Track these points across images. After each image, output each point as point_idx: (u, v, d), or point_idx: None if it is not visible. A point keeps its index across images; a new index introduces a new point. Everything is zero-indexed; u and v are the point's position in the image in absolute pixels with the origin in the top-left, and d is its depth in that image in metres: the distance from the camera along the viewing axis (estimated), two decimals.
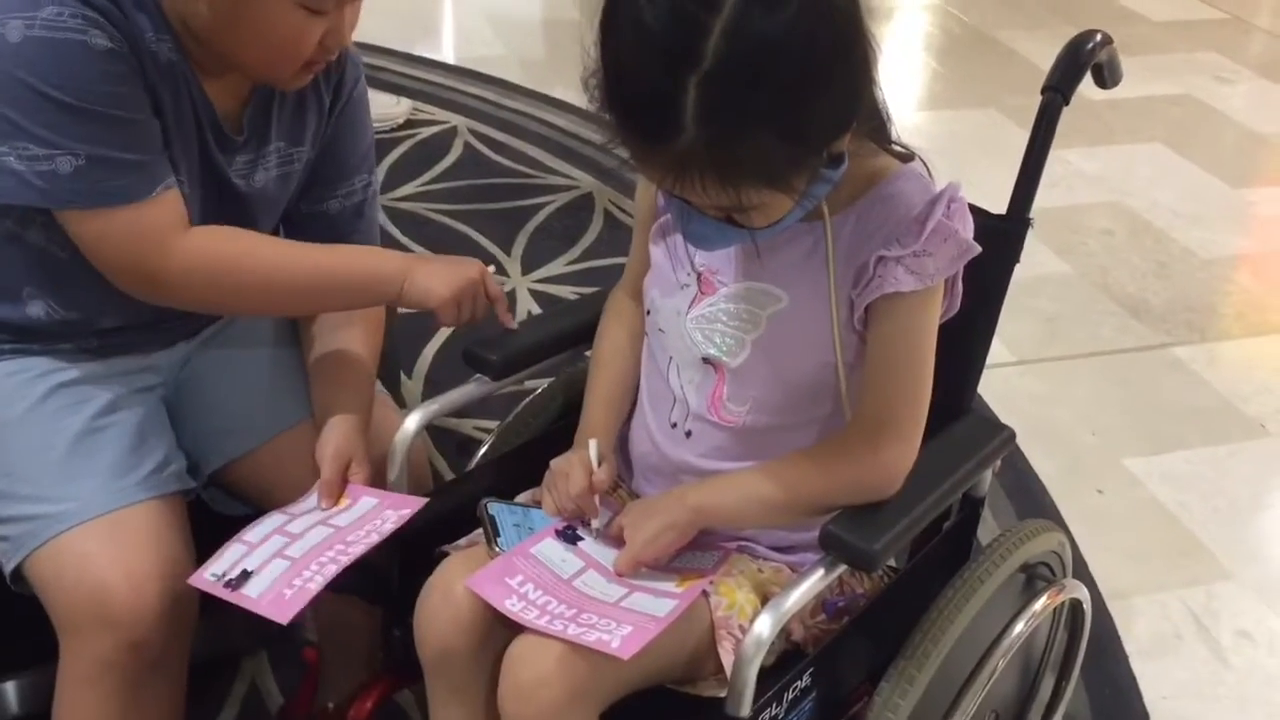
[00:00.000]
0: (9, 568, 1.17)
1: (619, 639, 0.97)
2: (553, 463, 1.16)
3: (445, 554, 1.15)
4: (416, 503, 1.17)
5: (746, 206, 0.97)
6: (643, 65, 0.91)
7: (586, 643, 0.97)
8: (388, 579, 1.19)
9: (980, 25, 4.17)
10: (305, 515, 1.19)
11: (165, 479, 1.22)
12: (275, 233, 1.38)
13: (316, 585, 1.08)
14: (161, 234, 1.15)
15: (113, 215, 1.13)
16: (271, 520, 1.18)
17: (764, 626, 0.97)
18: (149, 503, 1.18)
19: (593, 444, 1.16)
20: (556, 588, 1.06)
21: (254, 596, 1.08)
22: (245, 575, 1.10)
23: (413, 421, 1.21)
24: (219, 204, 1.26)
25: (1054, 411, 2.28)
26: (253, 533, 1.17)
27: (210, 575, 1.12)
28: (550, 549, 1.11)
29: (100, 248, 1.15)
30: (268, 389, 1.34)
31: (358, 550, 1.11)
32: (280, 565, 1.11)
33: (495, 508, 1.15)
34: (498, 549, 1.11)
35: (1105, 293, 2.66)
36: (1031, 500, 2.03)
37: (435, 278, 1.24)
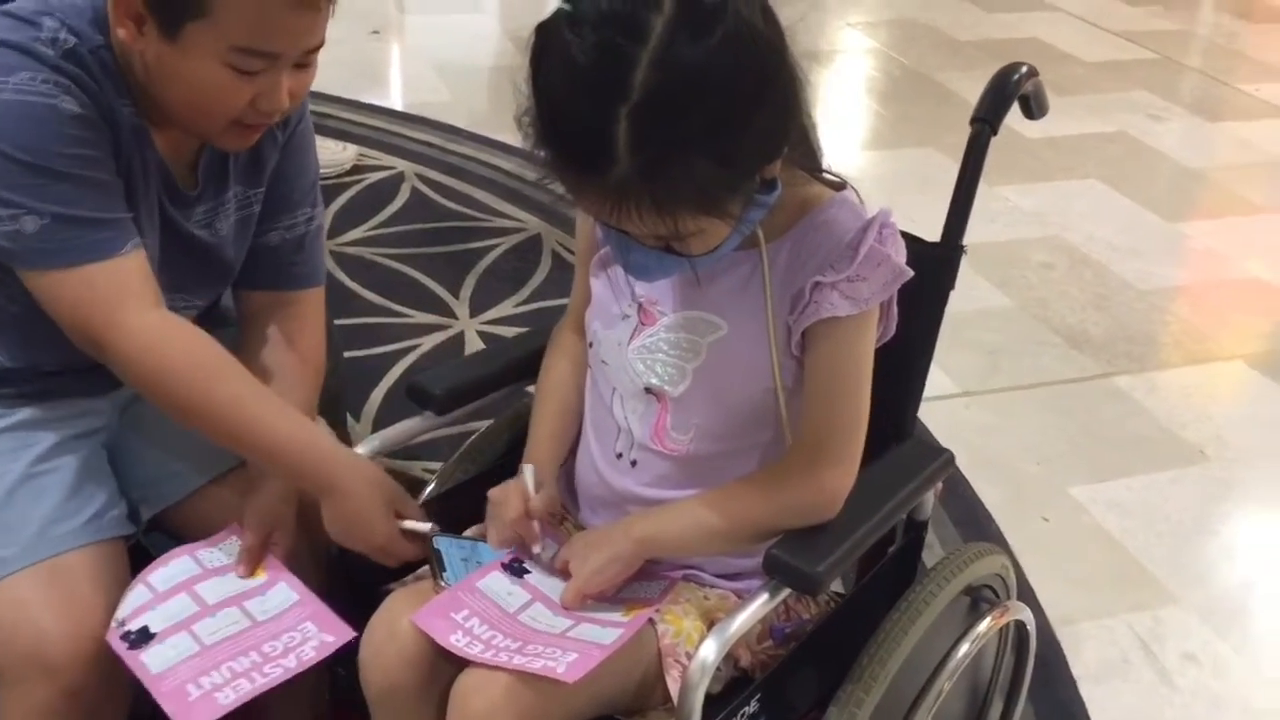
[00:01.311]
0: None
1: (564, 664, 0.97)
2: (491, 493, 1.16)
3: (390, 591, 1.15)
4: (344, 633, 1.09)
5: (683, 234, 0.98)
6: (574, 99, 0.92)
7: (532, 670, 0.97)
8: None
9: (919, 68, 4.26)
10: (217, 578, 1.14)
11: (105, 524, 1.20)
12: (232, 280, 1.37)
13: (226, 701, 1.02)
14: (118, 302, 1.13)
15: (72, 275, 1.12)
16: (179, 566, 1.15)
17: (709, 652, 0.97)
18: (89, 548, 1.17)
19: (528, 469, 1.16)
20: (502, 622, 1.06)
21: (154, 673, 1.03)
22: (146, 635, 1.07)
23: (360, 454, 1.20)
24: (183, 258, 1.25)
25: (999, 442, 2.31)
26: (158, 576, 1.14)
27: (115, 621, 1.09)
28: (496, 582, 1.11)
29: (56, 308, 1.14)
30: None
31: (275, 675, 1.04)
32: (186, 644, 1.07)
33: (442, 542, 1.15)
34: (443, 583, 1.10)
35: (1046, 325, 2.70)
36: (978, 529, 2.05)
37: (343, 523, 1.16)
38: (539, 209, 3.04)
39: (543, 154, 0.96)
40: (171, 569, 1.15)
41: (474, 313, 2.59)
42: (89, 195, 1.11)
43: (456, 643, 1.02)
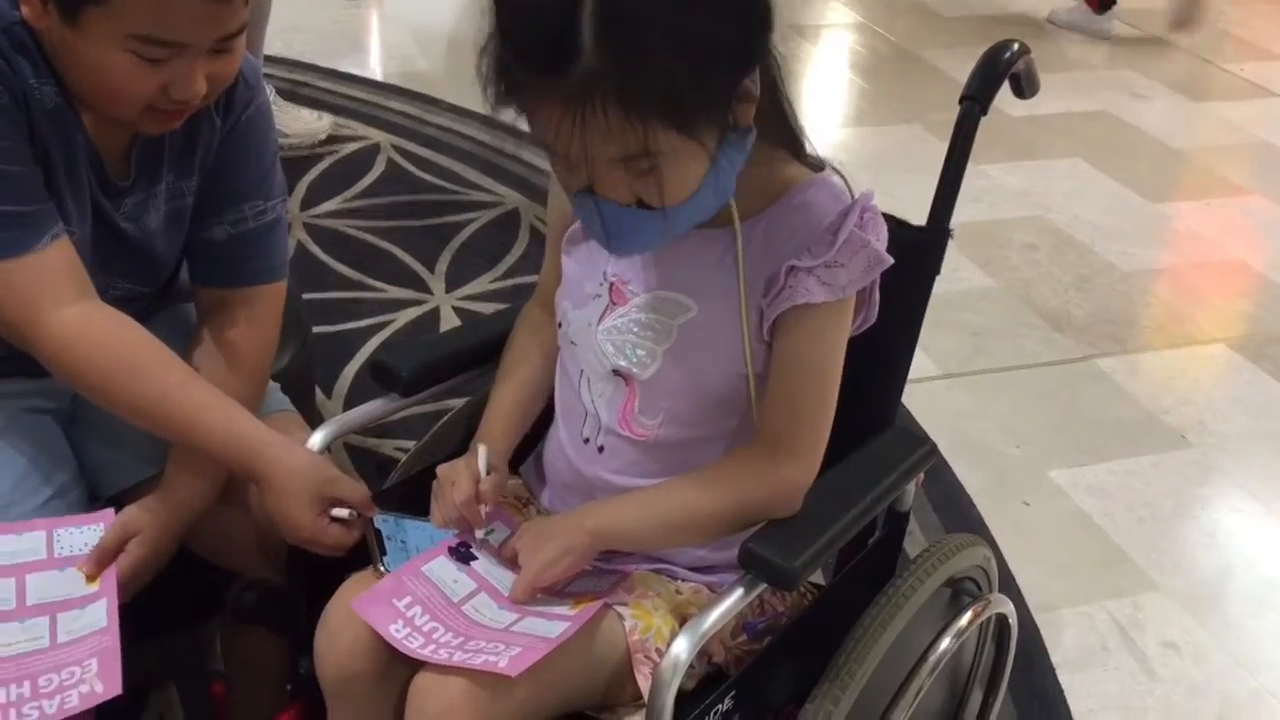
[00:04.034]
0: None
1: (506, 659, 0.94)
2: (440, 469, 1.12)
3: (349, 576, 1.11)
4: (115, 687, 1.01)
5: (655, 153, 0.93)
6: None
7: (473, 666, 0.94)
8: (294, 608, 1.15)
9: (904, 43, 4.21)
10: (54, 571, 1.09)
11: (64, 505, 1.17)
12: (177, 267, 1.32)
13: None
14: (38, 297, 1.09)
15: None
16: (28, 542, 1.10)
17: (681, 648, 0.93)
18: None
19: (481, 450, 1.12)
20: (444, 612, 1.02)
21: None
22: None
23: (317, 440, 1.16)
24: (111, 249, 1.20)
25: (979, 424, 2.29)
26: (3, 542, 1.09)
27: None
28: (442, 568, 1.08)
29: None
30: None
31: (30, 718, 0.98)
32: None
33: (382, 522, 1.11)
34: (383, 567, 1.07)
35: (1028, 306, 2.68)
36: (958, 513, 2.03)
37: (268, 513, 1.13)
38: (517, 183, 2.98)
39: (500, 74, 0.93)
40: (20, 541, 1.10)
41: (450, 288, 2.54)
42: (3, 188, 1.06)
43: (396, 634, 0.99)
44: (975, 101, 1.13)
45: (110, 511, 1.15)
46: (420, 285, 2.54)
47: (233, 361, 1.24)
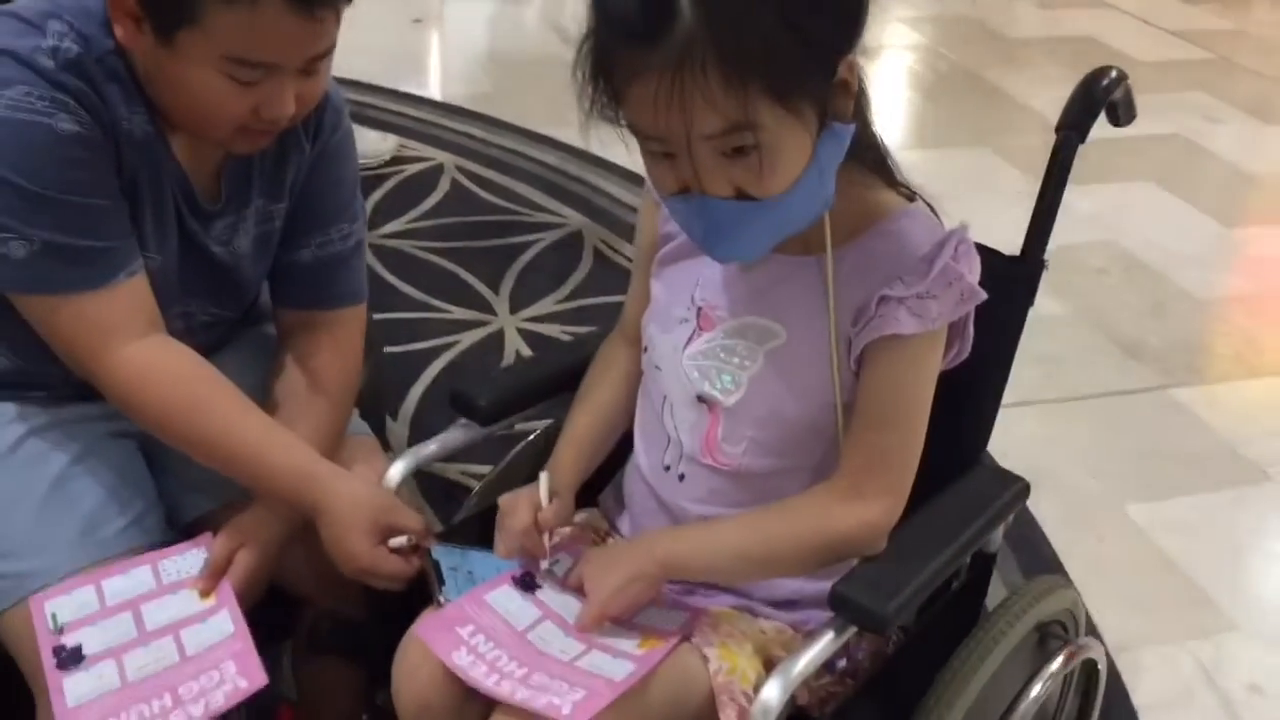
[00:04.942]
0: None
1: (570, 704, 0.92)
2: (501, 499, 1.11)
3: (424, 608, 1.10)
4: (259, 679, 1.04)
5: (756, 124, 0.90)
6: None
7: (536, 707, 0.92)
8: (370, 640, 1.13)
9: (970, 65, 4.17)
10: (167, 596, 1.10)
11: (142, 531, 1.17)
12: (257, 293, 1.32)
13: None
14: (108, 333, 1.10)
15: (61, 304, 1.09)
16: (137, 578, 1.11)
17: (773, 694, 0.91)
18: (127, 554, 1.13)
19: (543, 477, 1.11)
20: (509, 640, 1.01)
21: (68, 706, 1.00)
22: (77, 656, 1.04)
23: (397, 471, 1.16)
24: (202, 272, 1.21)
25: (1054, 455, 2.23)
26: (112, 585, 1.10)
27: (49, 617, 1.05)
28: (505, 597, 1.06)
29: (46, 332, 1.11)
30: None
31: None
32: (109, 677, 1.03)
33: (441, 552, 1.10)
34: (443, 597, 1.06)
35: (1102, 333, 2.62)
36: (1033, 550, 1.98)
37: (328, 547, 1.12)
38: (581, 204, 2.98)
39: (596, 49, 0.92)
40: (129, 579, 1.11)
41: (514, 309, 2.53)
42: (82, 222, 1.07)
43: (459, 661, 0.98)
44: (1073, 130, 1.10)
45: (208, 535, 1.16)
46: (485, 306, 2.54)
47: (316, 385, 1.24)
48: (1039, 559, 1.94)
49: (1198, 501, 2.13)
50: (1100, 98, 1.10)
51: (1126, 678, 1.74)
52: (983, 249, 1.08)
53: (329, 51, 1.10)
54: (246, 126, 1.09)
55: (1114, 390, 2.45)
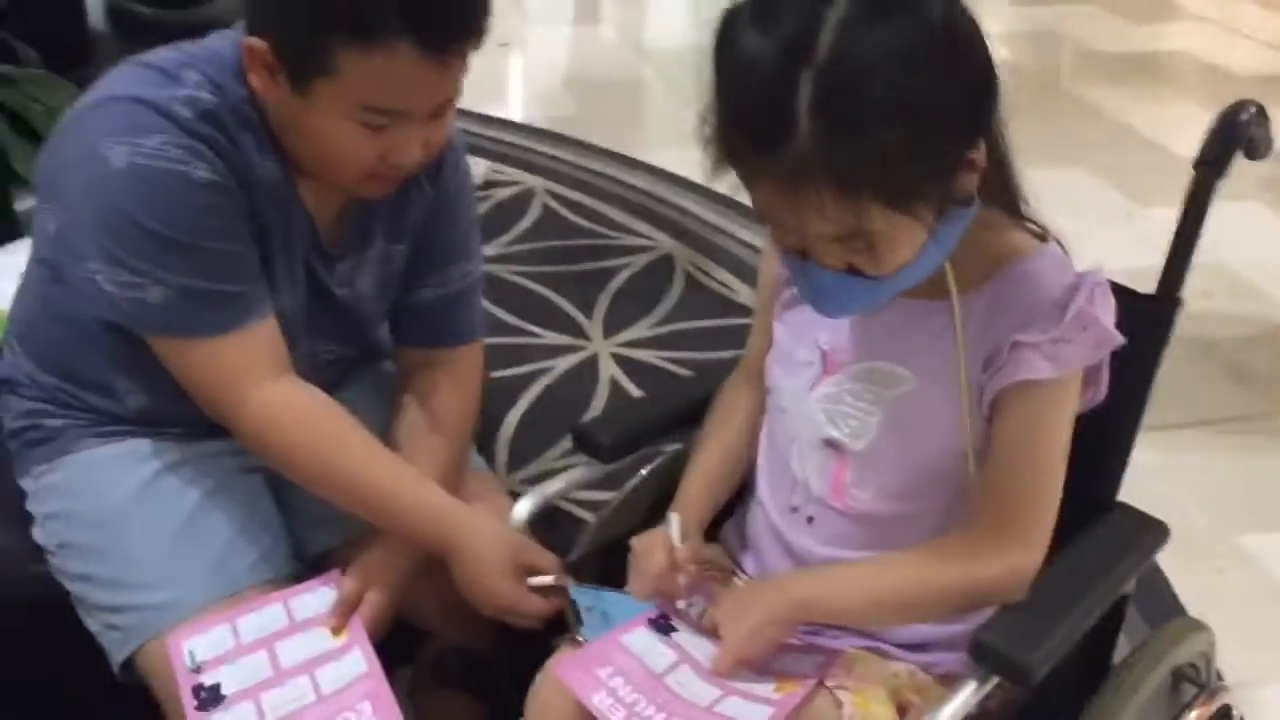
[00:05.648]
0: (119, 658, 1.15)
1: None
2: (633, 541, 1.11)
3: (557, 646, 1.10)
4: (394, 718, 1.06)
5: (869, 232, 0.91)
6: (756, 65, 0.88)
7: None
8: (498, 675, 1.14)
9: (1061, 82, 4.10)
10: (300, 635, 1.12)
11: (271, 565, 1.20)
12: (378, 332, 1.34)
13: None
14: (241, 376, 1.12)
15: (196, 347, 1.11)
16: (270, 615, 1.13)
17: None
18: (258, 588, 1.16)
19: (674, 519, 1.11)
20: (646, 684, 1.01)
21: None
22: (217, 696, 1.05)
23: (523, 509, 1.16)
24: (323, 314, 1.24)
25: (1161, 485, 2.16)
26: (246, 623, 1.12)
27: (188, 655, 1.07)
28: (642, 639, 1.07)
29: (180, 374, 1.14)
30: None
31: None
32: (248, 717, 1.05)
33: (579, 593, 1.11)
34: (581, 638, 1.06)
35: (1208, 358, 2.56)
36: (1148, 583, 1.93)
37: (466, 586, 1.14)
38: (670, 226, 2.98)
39: (719, 140, 0.92)
40: (262, 617, 1.13)
41: (608, 334, 2.54)
42: (217, 268, 1.09)
43: (599, 704, 0.98)
44: (1211, 167, 1.08)
45: (337, 573, 1.18)
46: (578, 331, 2.55)
47: (437, 422, 1.26)
48: (1154, 595, 1.89)
49: None
50: (1240, 133, 1.08)
51: (1249, 717, 1.69)
52: (1118, 288, 1.06)
53: (456, 97, 1.11)
54: (375, 173, 1.11)
55: (1222, 417, 2.38)
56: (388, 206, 1.23)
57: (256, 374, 1.13)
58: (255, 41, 1.05)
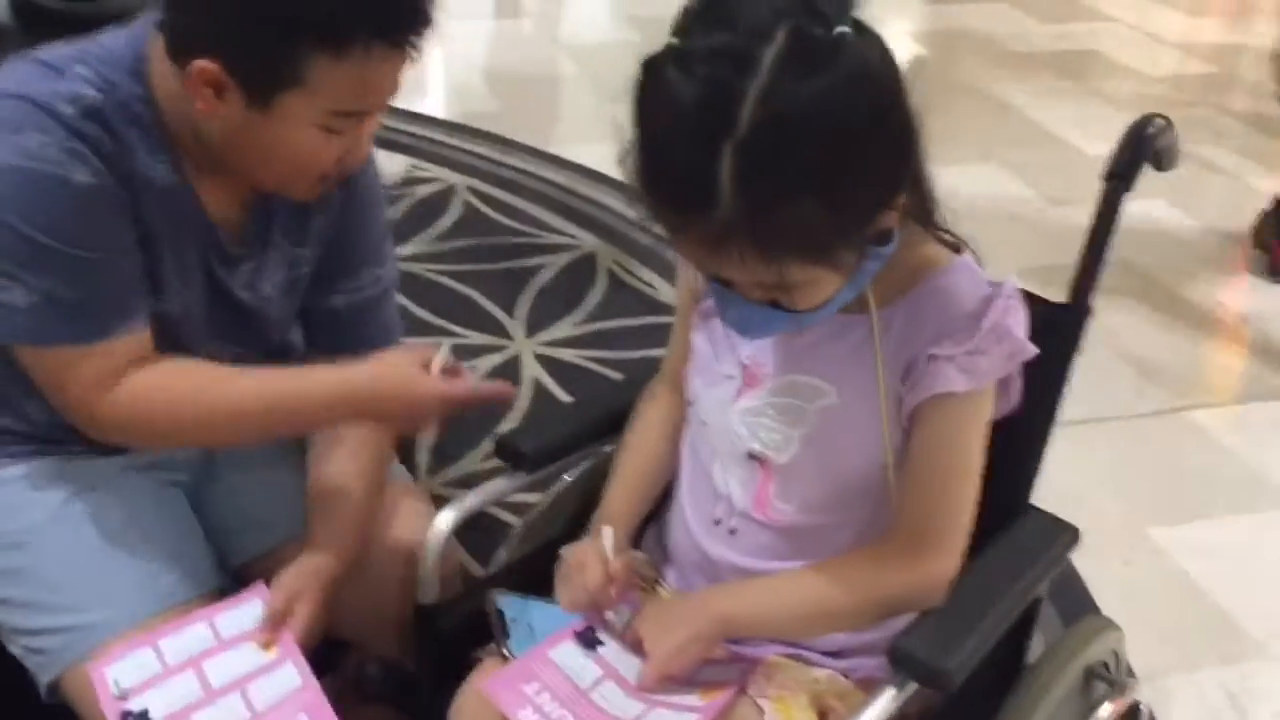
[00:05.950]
0: (45, 681, 1.12)
1: None
2: (563, 551, 1.11)
3: (479, 660, 1.10)
4: None
5: (790, 284, 0.93)
6: (677, 134, 0.87)
7: None
8: (418, 687, 1.13)
9: (973, 80, 4.17)
10: (229, 652, 1.10)
11: (199, 580, 1.18)
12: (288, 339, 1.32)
13: None
14: (93, 387, 1.09)
15: (52, 353, 1.08)
16: (194, 635, 1.11)
17: None
18: (184, 605, 1.14)
19: (608, 532, 1.11)
20: (573, 700, 1.01)
21: None
22: None
23: (445, 521, 1.15)
24: (226, 317, 1.21)
25: (1072, 478, 2.22)
26: (170, 644, 1.10)
27: (112, 683, 1.05)
28: (569, 654, 1.07)
29: (38, 381, 1.11)
30: (293, 484, 1.27)
31: None
32: None
33: (505, 602, 1.11)
34: (507, 651, 1.07)
35: (1118, 355, 2.63)
36: (1060, 579, 1.97)
37: (396, 409, 1.14)
38: (593, 225, 2.98)
39: (642, 193, 0.91)
40: (185, 638, 1.11)
41: (530, 333, 2.53)
42: (87, 276, 1.06)
43: (526, 719, 0.98)
44: (1120, 179, 1.10)
45: (261, 585, 1.16)
46: (500, 330, 2.53)
47: (353, 430, 1.23)
48: (1064, 587, 1.94)
49: (1222, 525, 2.14)
50: (1147, 146, 1.10)
51: (1155, 706, 1.74)
52: (1030, 296, 1.09)
53: None
54: (326, 175, 1.10)
55: (1132, 413, 2.45)
56: (287, 207, 1.21)
57: (106, 388, 1.10)
58: (203, 63, 1.02)
